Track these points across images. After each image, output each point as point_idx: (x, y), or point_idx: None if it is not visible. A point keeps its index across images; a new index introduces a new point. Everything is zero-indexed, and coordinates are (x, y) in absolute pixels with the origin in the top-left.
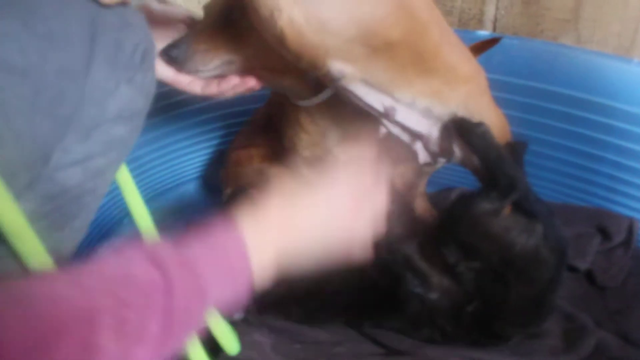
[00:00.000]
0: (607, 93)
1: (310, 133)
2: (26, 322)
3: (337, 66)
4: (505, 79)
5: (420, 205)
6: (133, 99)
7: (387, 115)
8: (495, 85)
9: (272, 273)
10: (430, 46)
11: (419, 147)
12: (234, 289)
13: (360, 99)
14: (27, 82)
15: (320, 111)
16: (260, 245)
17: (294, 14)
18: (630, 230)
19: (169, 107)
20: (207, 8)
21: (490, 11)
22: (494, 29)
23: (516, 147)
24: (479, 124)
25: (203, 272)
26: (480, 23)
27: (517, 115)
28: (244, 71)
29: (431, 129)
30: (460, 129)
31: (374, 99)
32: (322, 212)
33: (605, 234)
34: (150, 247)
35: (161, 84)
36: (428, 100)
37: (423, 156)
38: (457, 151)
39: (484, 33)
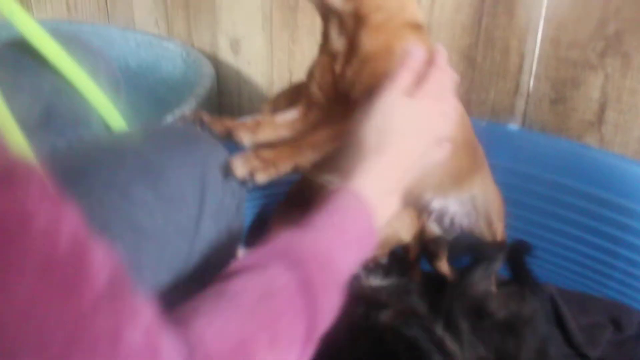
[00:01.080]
0: (624, 194)
1: None
2: None
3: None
4: (532, 171)
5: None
6: (230, 245)
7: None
8: (522, 177)
9: (397, 207)
10: (470, 165)
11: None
12: (362, 253)
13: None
14: (154, 242)
15: None
16: (379, 197)
17: None
18: None
19: None
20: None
21: (520, 105)
22: (524, 121)
23: (520, 247)
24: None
25: (336, 256)
26: (511, 114)
27: (541, 206)
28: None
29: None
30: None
31: (435, 204)
32: (404, 128)
33: (617, 325)
34: (283, 245)
35: None
36: (464, 195)
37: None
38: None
39: (513, 127)
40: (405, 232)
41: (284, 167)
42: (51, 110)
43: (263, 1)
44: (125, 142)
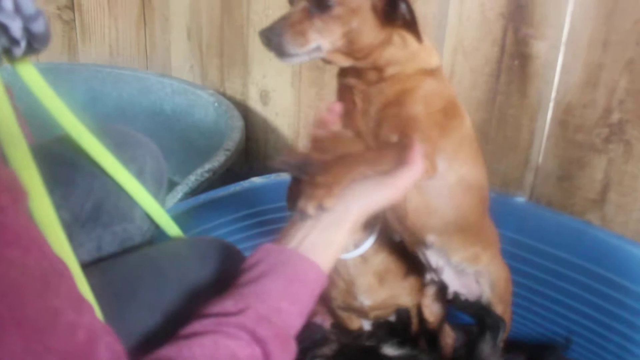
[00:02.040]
0: (622, 273)
1: (344, 282)
2: None
3: (431, 239)
4: (535, 243)
5: (446, 334)
6: None
7: (436, 271)
8: (525, 248)
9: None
10: (480, 224)
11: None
12: (310, 307)
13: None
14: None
15: (356, 264)
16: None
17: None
18: None
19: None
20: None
21: (529, 178)
22: (531, 194)
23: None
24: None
25: (289, 323)
26: (520, 186)
27: (541, 277)
28: (328, 57)
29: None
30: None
31: (434, 259)
32: None
33: None
34: (249, 323)
35: None
36: (467, 263)
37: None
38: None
39: (521, 199)
40: (405, 297)
41: (345, 181)
42: (100, 207)
43: None
44: (166, 258)
